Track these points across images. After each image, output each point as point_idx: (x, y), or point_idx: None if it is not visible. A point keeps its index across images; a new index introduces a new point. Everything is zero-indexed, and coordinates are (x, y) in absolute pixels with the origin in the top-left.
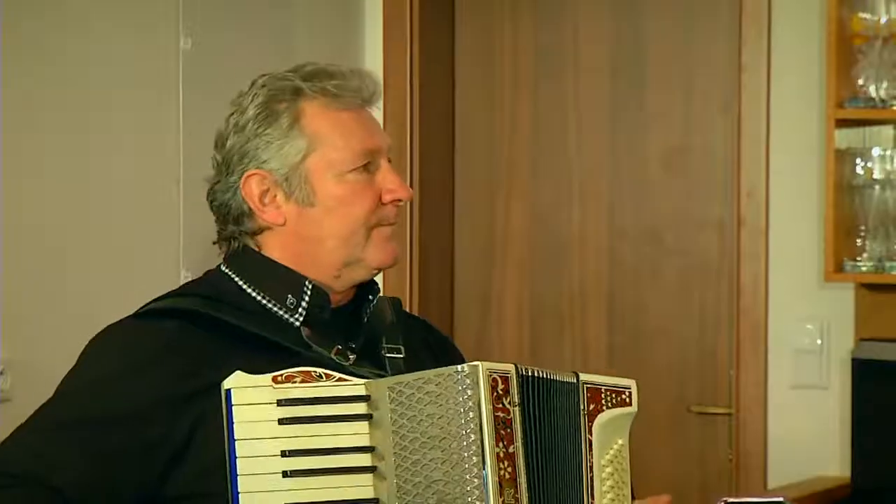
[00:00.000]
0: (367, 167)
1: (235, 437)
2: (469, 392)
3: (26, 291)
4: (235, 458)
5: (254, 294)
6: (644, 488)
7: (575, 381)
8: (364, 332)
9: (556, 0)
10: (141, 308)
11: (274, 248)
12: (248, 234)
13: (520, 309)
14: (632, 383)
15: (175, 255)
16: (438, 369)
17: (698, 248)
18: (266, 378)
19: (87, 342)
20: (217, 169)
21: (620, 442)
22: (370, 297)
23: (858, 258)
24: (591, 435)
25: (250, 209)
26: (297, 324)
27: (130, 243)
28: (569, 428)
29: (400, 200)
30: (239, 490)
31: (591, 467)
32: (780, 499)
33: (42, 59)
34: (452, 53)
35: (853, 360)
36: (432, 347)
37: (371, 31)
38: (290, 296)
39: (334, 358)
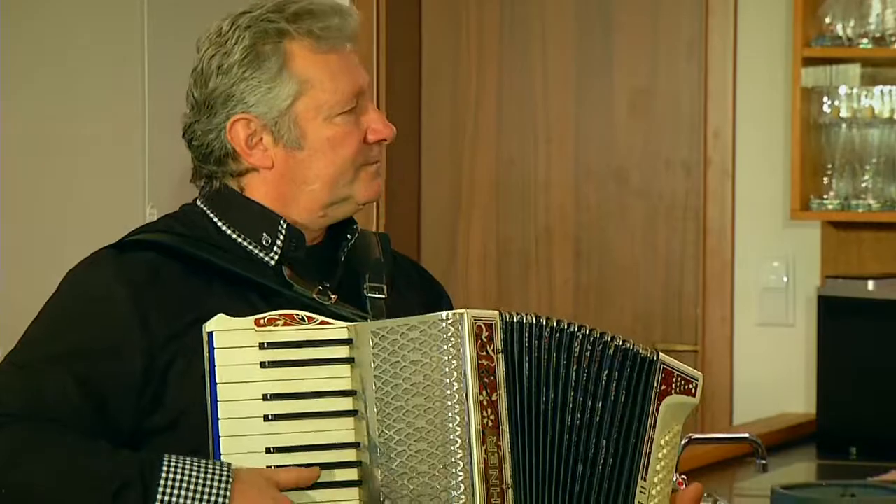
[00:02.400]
0: (354, 109)
1: (217, 381)
2: (453, 340)
3: None
4: (217, 401)
5: (229, 232)
6: None
7: (655, 358)
8: (340, 272)
9: None
10: (119, 240)
11: (257, 189)
12: (231, 175)
13: (486, 252)
14: (699, 376)
15: (141, 192)
16: (422, 316)
17: (664, 189)
18: (248, 321)
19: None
20: (196, 108)
21: (677, 428)
22: (348, 235)
23: (825, 196)
24: (657, 413)
25: (235, 151)
26: (273, 263)
27: (96, 180)
28: (638, 401)
29: (384, 140)
30: (220, 434)
31: (651, 444)
32: (746, 435)
33: None
34: None
35: (819, 297)
36: (420, 289)
37: None
38: (265, 234)
39: (316, 298)
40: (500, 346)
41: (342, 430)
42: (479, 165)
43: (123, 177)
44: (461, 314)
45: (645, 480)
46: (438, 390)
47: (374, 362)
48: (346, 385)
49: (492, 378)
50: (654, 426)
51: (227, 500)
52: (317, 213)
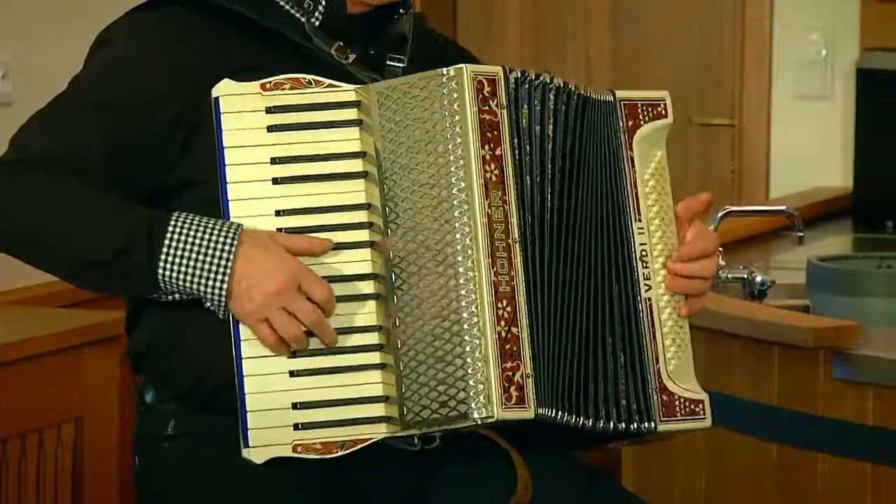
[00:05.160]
0: None
1: (224, 146)
2: (454, 95)
3: None
4: (225, 165)
5: None
6: None
7: (612, 99)
8: (385, 40)
9: None
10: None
11: None
12: None
13: (522, 21)
14: (665, 94)
15: None
16: (424, 73)
17: None
18: (254, 85)
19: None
20: None
21: (659, 153)
22: (401, 9)
23: None
24: (632, 151)
25: None
26: (316, 26)
27: None
28: (608, 146)
29: None
30: (229, 198)
31: (636, 183)
32: (783, 208)
33: None
34: None
35: (858, 70)
36: (451, 61)
37: None
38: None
39: (334, 54)
40: (503, 101)
41: (352, 191)
42: None
43: None
44: (461, 69)
45: (640, 220)
46: (441, 146)
47: (380, 122)
48: (355, 147)
49: (495, 133)
50: (633, 165)
51: (230, 260)
52: None
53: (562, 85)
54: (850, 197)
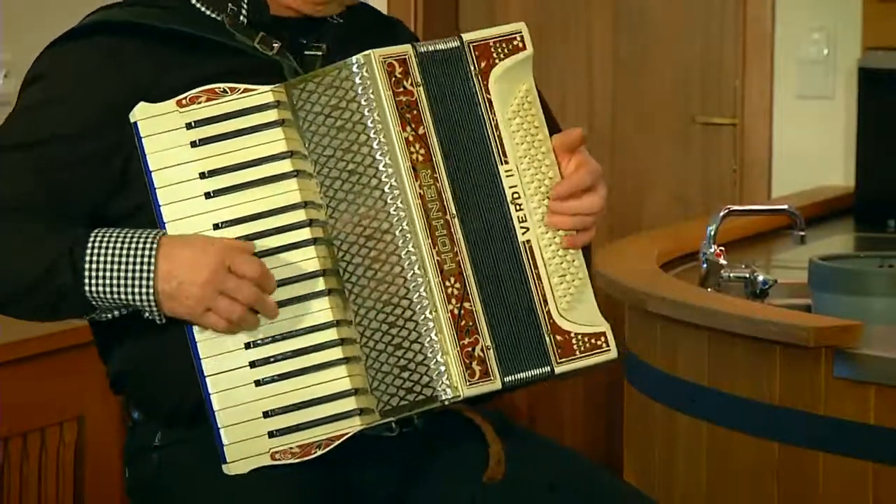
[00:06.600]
0: None
1: (151, 169)
2: (367, 83)
3: None
4: (155, 188)
5: (199, 6)
6: (648, 198)
7: (459, 44)
8: (324, 32)
9: None
10: (73, 28)
11: None
12: None
13: (523, 21)
14: (521, 26)
15: None
16: (335, 64)
17: None
18: (170, 104)
19: None
20: None
21: (524, 87)
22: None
23: None
24: (489, 94)
25: None
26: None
27: None
28: (463, 95)
29: None
30: (165, 220)
31: (497, 125)
32: (785, 207)
33: None
34: None
35: (860, 69)
36: (378, 34)
37: None
38: (230, 4)
39: (257, 47)
40: (417, 78)
41: (286, 192)
42: None
43: None
44: (369, 55)
45: (507, 163)
46: (363, 136)
47: (299, 118)
48: (281, 147)
49: (414, 112)
50: (492, 108)
51: (151, 262)
52: (312, 5)
53: (448, 48)
54: (851, 196)
